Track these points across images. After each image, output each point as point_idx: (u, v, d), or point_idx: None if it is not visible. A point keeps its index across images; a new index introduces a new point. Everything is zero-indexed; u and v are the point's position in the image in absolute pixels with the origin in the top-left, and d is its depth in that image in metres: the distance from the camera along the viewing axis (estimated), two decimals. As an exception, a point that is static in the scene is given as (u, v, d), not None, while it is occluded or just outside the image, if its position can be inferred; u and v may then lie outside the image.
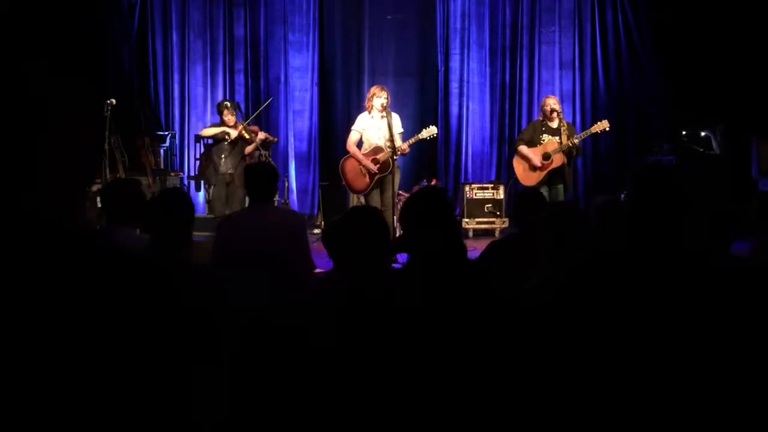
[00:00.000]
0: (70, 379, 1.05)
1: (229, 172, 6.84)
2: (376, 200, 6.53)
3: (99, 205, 6.96)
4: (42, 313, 1.05)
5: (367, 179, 6.52)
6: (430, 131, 6.69)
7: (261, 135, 7.06)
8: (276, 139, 7.74)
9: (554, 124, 6.90)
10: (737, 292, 1.95)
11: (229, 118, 7.02)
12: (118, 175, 7.59)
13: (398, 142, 6.46)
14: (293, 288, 3.36)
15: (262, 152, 7.09)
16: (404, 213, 2.48)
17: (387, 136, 6.42)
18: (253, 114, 7.50)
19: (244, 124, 7.04)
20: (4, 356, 1.03)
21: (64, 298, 1.07)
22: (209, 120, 9.10)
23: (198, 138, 8.18)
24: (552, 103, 6.96)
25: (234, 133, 6.84)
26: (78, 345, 1.06)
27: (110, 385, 1.07)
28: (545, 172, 6.81)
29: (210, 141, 7.42)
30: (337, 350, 2.26)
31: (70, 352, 1.06)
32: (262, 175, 3.85)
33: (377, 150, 6.49)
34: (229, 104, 7.11)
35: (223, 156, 6.89)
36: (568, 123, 7.06)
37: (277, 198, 8.08)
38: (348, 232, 2.46)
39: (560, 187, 6.87)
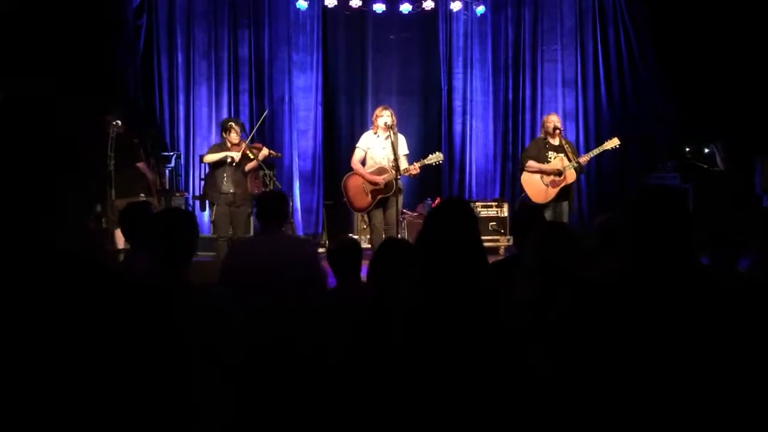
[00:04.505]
0: (71, 401, 1.06)
1: (231, 191, 6.76)
2: (378, 219, 6.52)
3: (104, 225, 7.02)
4: (43, 334, 1.07)
5: (369, 198, 6.51)
6: (437, 157, 6.71)
7: (264, 151, 6.96)
8: (279, 155, 7.71)
9: (556, 142, 6.96)
10: (738, 309, 1.95)
11: (233, 136, 6.91)
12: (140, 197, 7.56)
13: (403, 164, 6.47)
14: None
15: (266, 172, 7.02)
16: None
17: (391, 156, 6.43)
18: (252, 130, 7.42)
19: (247, 142, 7.00)
20: (13, 373, 1.05)
21: (66, 322, 1.08)
22: (214, 140, 9.14)
23: (203, 158, 8.21)
24: (555, 120, 7.03)
25: (237, 156, 6.74)
26: (79, 366, 1.07)
27: (111, 403, 1.08)
28: (558, 188, 6.83)
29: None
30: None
31: (71, 372, 1.07)
32: (271, 203, 3.94)
33: (381, 171, 6.49)
34: (233, 124, 7.02)
35: (225, 175, 6.81)
36: (568, 141, 7.10)
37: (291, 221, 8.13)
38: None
39: (565, 204, 6.90)
